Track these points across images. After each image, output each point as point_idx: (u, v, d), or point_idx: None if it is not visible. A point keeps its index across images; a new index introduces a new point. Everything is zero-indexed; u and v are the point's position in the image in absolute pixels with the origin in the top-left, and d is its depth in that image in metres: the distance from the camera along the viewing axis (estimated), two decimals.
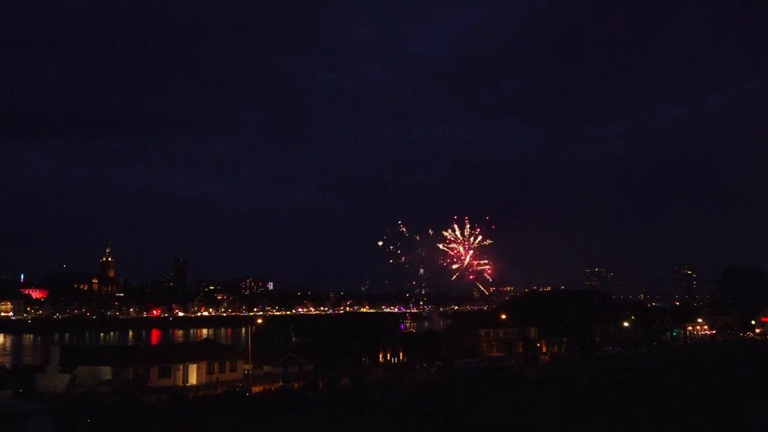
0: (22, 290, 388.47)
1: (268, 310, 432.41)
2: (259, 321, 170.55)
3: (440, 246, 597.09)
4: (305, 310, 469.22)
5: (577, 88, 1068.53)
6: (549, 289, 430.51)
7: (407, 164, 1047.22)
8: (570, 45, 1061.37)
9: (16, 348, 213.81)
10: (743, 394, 62.38)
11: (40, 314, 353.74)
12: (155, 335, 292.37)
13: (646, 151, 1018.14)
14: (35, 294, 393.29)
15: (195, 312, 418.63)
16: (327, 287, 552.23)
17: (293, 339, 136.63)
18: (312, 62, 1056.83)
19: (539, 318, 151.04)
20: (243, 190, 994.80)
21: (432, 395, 69.58)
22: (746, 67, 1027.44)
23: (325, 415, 56.05)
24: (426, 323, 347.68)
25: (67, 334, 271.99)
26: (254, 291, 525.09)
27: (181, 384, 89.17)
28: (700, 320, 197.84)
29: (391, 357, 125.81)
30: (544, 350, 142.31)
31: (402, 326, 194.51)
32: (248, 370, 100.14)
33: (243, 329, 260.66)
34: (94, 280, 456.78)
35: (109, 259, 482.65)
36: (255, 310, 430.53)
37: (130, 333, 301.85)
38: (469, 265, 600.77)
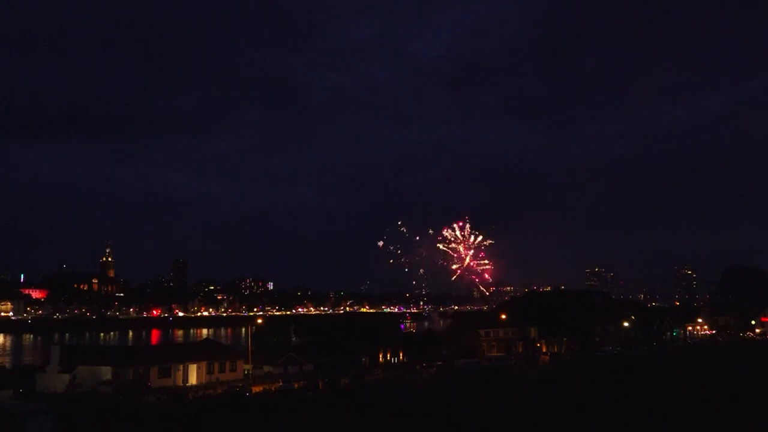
0: (22, 290, 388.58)
1: (268, 310, 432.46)
2: (259, 321, 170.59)
3: (440, 246, 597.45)
4: (305, 310, 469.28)
5: (577, 88, 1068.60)
6: (549, 289, 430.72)
7: (407, 164, 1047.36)
8: (570, 45, 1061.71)
9: (16, 348, 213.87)
10: (743, 394, 62.34)
11: (40, 314, 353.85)
12: (155, 335, 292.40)
13: (646, 151, 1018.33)
14: (35, 294, 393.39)
15: (195, 312, 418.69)
16: (327, 287, 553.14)
17: (293, 339, 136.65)
18: (312, 62, 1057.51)
19: (539, 318, 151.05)
20: (243, 190, 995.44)
21: (432, 395, 69.53)
22: (746, 67, 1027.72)
23: (325, 415, 56.02)
24: (426, 323, 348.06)
25: (67, 334, 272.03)
26: (254, 291, 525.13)
27: (181, 384, 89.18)
28: (700, 320, 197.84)
29: (391, 357, 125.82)
30: (544, 350, 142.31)
31: (402, 326, 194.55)
32: (248, 370, 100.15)
33: (243, 329, 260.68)
34: (94, 280, 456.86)
35: (109, 259, 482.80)
36: (255, 310, 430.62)
37: (130, 333, 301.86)
38: (469, 265, 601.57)
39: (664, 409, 55.12)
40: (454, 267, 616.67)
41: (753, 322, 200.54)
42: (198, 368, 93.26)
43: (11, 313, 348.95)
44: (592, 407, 57.15)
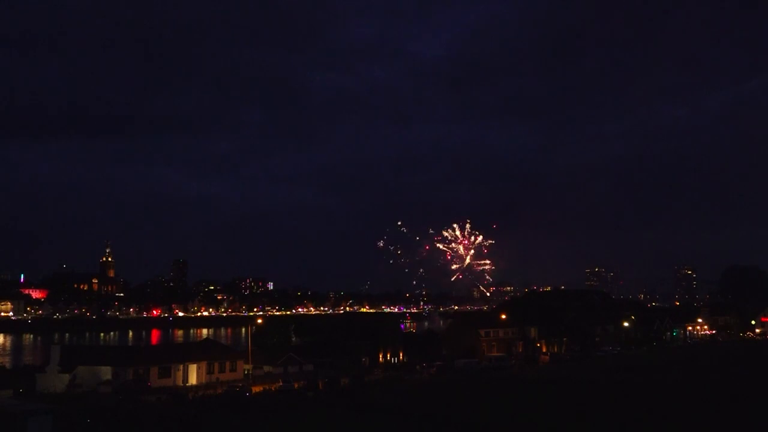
0: (22, 290, 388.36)
1: (268, 310, 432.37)
2: (259, 321, 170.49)
3: (440, 246, 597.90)
4: (305, 310, 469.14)
5: (577, 88, 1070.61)
6: (549, 289, 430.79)
7: (407, 164, 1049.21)
8: (570, 45, 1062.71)
9: (16, 348, 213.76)
10: (743, 394, 62.36)
11: (40, 314, 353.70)
12: (155, 335, 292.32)
13: (646, 151, 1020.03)
14: (35, 294, 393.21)
15: (195, 312, 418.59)
16: (327, 287, 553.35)
17: (293, 339, 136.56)
18: (312, 62, 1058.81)
19: (539, 318, 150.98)
20: (243, 190, 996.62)
21: (432, 395, 69.54)
22: (746, 67, 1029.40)
23: (325, 415, 56.03)
24: (426, 323, 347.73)
25: (67, 334, 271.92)
26: (254, 291, 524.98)
27: (181, 384, 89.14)
28: (700, 320, 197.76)
29: (391, 357, 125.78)
30: (544, 350, 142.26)
31: (402, 326, 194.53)
32: (248, 370, 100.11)
33: (243, 329, 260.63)
34: (94, 280, 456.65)
35: (109, 259, 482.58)
36: (255, 310, 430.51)
37: (130, 333, 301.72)
38: (469, 265, 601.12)
39: (664, 409, 55.12)
40: (454, 267, 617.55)
41: (753, 322, 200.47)
42: (198, 368, 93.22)
43: (11, 313, 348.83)
44: (592, 407, 57.16)
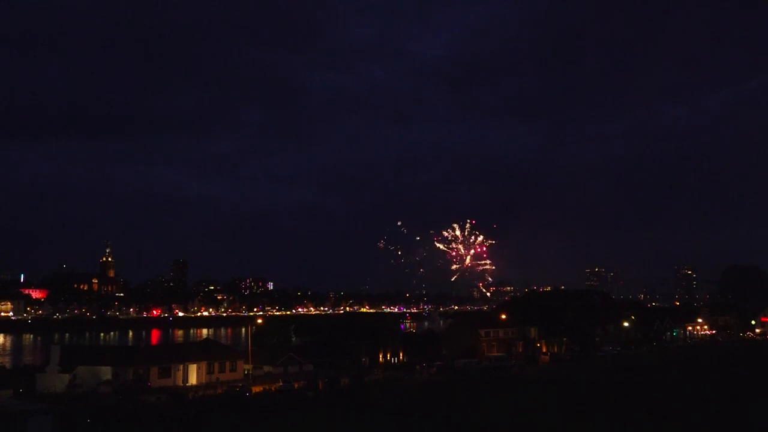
0: (22, 290, 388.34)
1: (268, 310, 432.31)
2: (259, 321, 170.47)
3: (440, 246, 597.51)
4: (305, 310, 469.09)
5: (577, 88, 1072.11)
6: (549, 289, 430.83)
7: (407, 164, 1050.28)
8: (570, 45, 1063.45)
9: (16, 348, 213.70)
10: (743, 394, 62.36)
11: (40, 314, 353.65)
12: (155, 335, 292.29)
13: (646, 151, 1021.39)
14: (35, 294, 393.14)
15: (195, 312, 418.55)
16: (327, 287, 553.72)
17: (293, 339, 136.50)
18: (312, 62, 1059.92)
19: (539, 318, 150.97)
20: (243, 190, 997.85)
21: (432, 395, 69.53)
22: (746, 67, 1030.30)
23: (325, 415, 56.02)
24: (426, 323, 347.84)
25: (67, 334, 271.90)
26: (254, 291, 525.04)
27: (181, 384, 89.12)
28: (700, 320, 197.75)
29: (391, 357, 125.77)
30: (544, 350, 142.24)
31: (402, 326, 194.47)
32: (248, 370, 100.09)
33: (243, 329, 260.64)
34: (94, 280, 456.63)
35: (109, 259, 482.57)
36: (255, 310, 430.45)
37: (130, 333, 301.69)
38: (469, 265, 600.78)
39: (664, 409, 55.12)
40: (454, 267, 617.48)
41: (753, 322, 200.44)
42: (198, 368, 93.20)
43: (11, 313, 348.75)
44: (592, 407, 57.15)
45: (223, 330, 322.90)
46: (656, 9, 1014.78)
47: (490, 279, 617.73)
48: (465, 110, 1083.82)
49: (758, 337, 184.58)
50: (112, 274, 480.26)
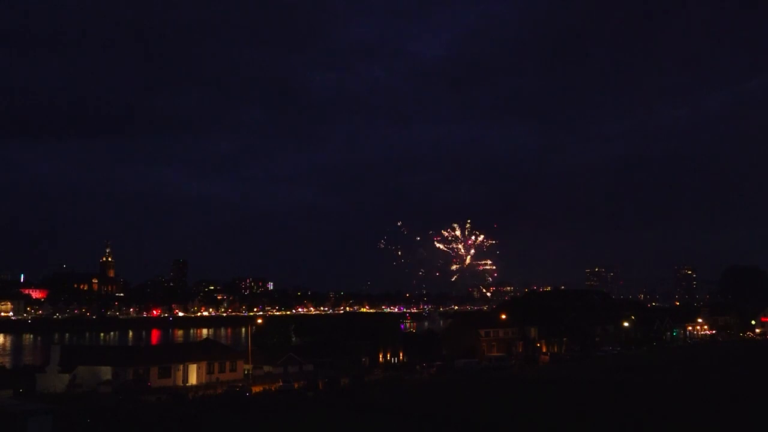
0: (22, 290, 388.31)
1: (268, 310, 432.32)
2: (259, 321, 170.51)
3: (440, 246, 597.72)
4: (305, 310, 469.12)
5: (577, 88, 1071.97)
6: (549, 289, 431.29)
7: (407, 164, 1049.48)
8: (570, 45, 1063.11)
9: (16, 348, 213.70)
10: (743, 394, 62.37)
11: (40, 314, 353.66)
12: (155, 335, 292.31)
13: (646, 151, 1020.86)
14: (35, 294, 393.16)
15: (195, 312, 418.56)
16: (327, 287, 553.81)
17: (293, 339, 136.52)
18: (312, 62, 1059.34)
19: (539, 318, 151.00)
20: (243, 190, 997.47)
21: (432, 395, 69.54)
22: (746, 67, 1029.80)
23: (325, 415, 56.02)
24: (426, 323, 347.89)
25: (67, 334, 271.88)
26: (254, 291, 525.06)
27: (181, 384, 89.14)
28: (700, 320, 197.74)
29: (391, 357, 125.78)
30: (544, 350, 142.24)
31: (402, 326, 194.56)
32: (248, 370, 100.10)
33: (243, 329, 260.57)
34: (94, 280, 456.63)
35: (109, 259, 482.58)
36: (255, 310, 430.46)
37: (130, 333, 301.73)
38: (470, 265, 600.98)
39: (664, 409, 55.12)
40: (454, 267, 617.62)
41: (753, 322, 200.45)
42: (198, 368, 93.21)
43: (11, 313, 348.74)
44: (592, 407, 57.15)
45: (223, 330, 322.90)
46: (656, 9, 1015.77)
47: (490, 279, 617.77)
48: (465, 110, 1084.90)
49: (758, 337, 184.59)
50: (112, 274, 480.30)
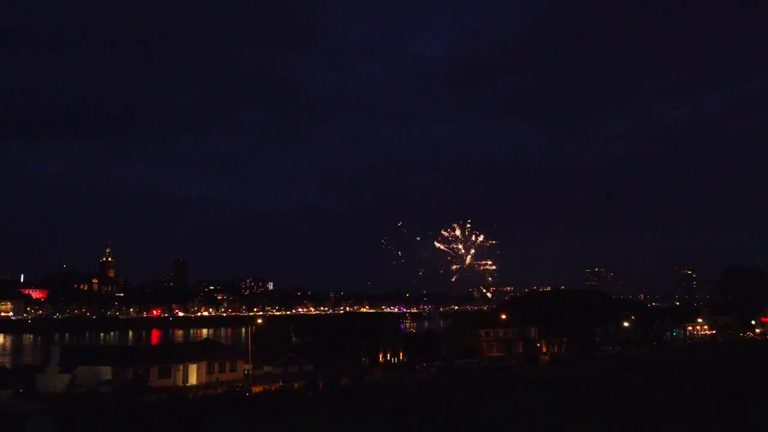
0: (22, 290, 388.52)
1: (268, 310, 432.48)
2: (259, 321, 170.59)
3: (440, 246, 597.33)
4: (305, 310, 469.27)
5: (577, 88, 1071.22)
6: (549, 289, 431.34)
7: (407, 164, 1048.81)
8: (570, 45, 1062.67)
9: (16, 348, 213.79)
10: (743, 394, 62.36)
11: (40, 314, 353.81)
12: (155, 335, 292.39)
13: (646, 151, 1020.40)
14: (35, 294, 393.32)
15: (195, 312, 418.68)
16: (327, 287, 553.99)
17: (293, 339, 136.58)
18: (312, 62, 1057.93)
19: (539, 318, 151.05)
20: (243, 190, 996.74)
21: (432, 395, 69.53)
22: (746, 67, 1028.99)
23: (325, 415, 56.00)
24: (426, 323, 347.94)
25: (67, 334, 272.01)
26: (254, 291, 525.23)
27: (181, 384, 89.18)
28: (700, 320, 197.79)
29: (391, 357, 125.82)
30: (544, 350, 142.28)
31: (402, 326, 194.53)
32: (248, 370, 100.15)
33: (243, 329, 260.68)
34: (94, 280, 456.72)
35: (109, 259, 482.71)
36: (255, 310, 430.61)
37: (130, 333, 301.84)
38: (470, 265, 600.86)
39: (664, 409, 55.11)
40: (454, 267, 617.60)
41: (753, 322, 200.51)
42: (198, 368, 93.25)
43: (11, 313, 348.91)
44: (592, 407, 57.14)
45: (223, 330, 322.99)
46: (656, 9, 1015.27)
47: (490, 279, 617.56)
48: (465, 110, 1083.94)
49: (758, 337, 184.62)
50: (112, 274, 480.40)
